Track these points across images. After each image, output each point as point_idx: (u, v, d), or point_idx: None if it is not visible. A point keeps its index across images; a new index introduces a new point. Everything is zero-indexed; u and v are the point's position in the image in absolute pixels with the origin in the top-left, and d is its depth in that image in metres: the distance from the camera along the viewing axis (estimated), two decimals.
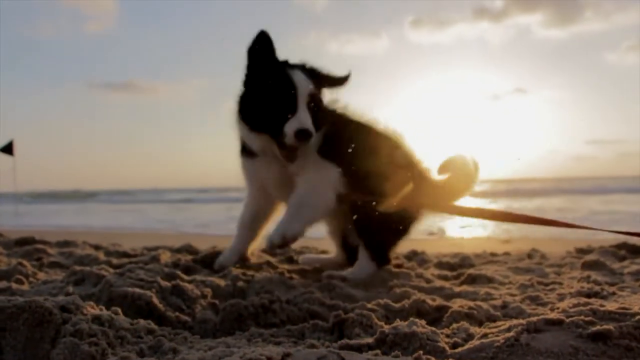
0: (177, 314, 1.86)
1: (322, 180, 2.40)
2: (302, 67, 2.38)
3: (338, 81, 2.48)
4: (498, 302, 1.95)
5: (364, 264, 2.51)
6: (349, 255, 2.73)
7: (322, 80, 2.42)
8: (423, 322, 1.45)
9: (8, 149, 12.64)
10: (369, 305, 1.86)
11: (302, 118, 2.22)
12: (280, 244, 2.29)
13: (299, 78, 2.29)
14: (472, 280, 2.48)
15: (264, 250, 3.69)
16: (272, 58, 2.34)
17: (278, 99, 2.27)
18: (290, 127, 2.21)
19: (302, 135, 2.20)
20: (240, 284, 2.25)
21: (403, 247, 3.41)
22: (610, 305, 1.57)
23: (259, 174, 2.57)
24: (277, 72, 2.31)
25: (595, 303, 1.64)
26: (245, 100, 2.39)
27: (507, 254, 3.90)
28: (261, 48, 2.32)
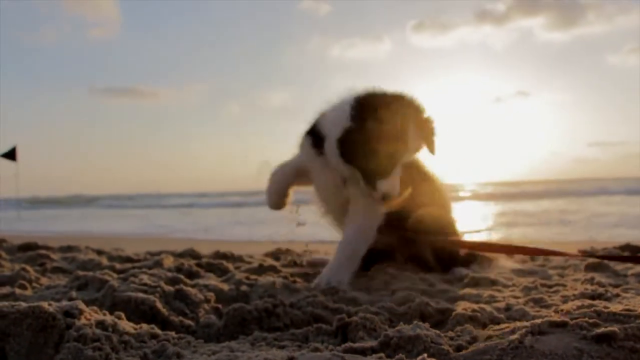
0: (180, 318, 1.86)
1: (369, 219, 2.58)
2: (414, 111, 2.43)
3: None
4: (501, 305, 1.95)
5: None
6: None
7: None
8: (427, 325, 1.45)
9: (11, 154, 12.68)
10: (373, 309, 1.86)
11: (394, 183, 2.37)
12: (327, 291, 2.27)
13: (402, 150, 2.37)
14: (476, 283, 2.48)
15: (267, 255, 3.70)
16: (389, 121, 2.35)
17: (385, 154, 2.35)
18: (380, 187, 2.36)
19: (387, 198, 2.38)
20: (243, 288, 2.25)
21: None
22: (615, 307, 1.56)
23: (318, 170, 2.65)
24: (392, 127, 2.34)
25: (599, 305, 1.64)
26: (352, 138, 2.38)
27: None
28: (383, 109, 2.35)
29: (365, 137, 2.34)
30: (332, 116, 2.51)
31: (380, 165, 2.36)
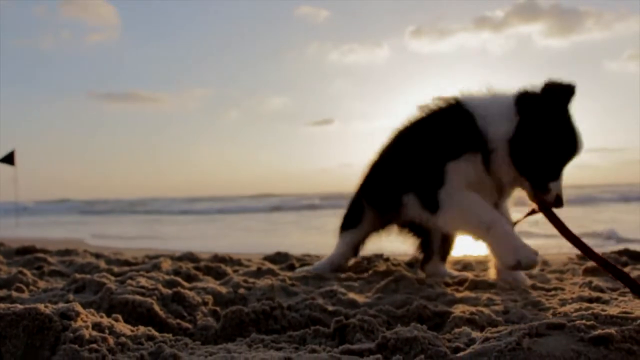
0: (178, 321, 1.85)
1: None
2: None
3: None
4: (500, 308, 1.95)
5: None
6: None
7: None
8: (424, 327, 1.45)
9: (9, 159, 12.65)
10: (371, 311, 1.86)
11: (562, 186, 2.27)
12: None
13: (581, 144, 2.26)
14: (474, 286, 2.48)
15: (265, 258, 3.69)
16: (566, 115, 2.23)
17: (559, 160, 2.25)
18: (554, 190, 2.24)
19: (557, 203, 2.26)
20: (241, 290, 2.25)
21: (405, 254, 3.42)
22: (612, 310, 1.57)
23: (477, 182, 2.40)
24: (570, 135, 2.23)
25: (597, 308, 1.64)
26: (524, 143, 2.23)
27: None
28: (560, 101, 2.23)
29: (537, 143, 2.20)
30: (495, 115, 2.28)
31: (552, 168, 2.25)
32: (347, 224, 3.03)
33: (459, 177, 2.35)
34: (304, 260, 3.54)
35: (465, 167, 2.35)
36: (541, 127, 2.21)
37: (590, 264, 2.97)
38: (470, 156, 2.34)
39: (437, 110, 2.53)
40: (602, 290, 2.25)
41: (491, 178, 2.36)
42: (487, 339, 1.38)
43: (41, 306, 1.46)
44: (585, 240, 2.17)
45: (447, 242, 2.91)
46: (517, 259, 2.13)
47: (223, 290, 2.23)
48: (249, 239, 8.09)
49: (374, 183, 2.88)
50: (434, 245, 2.92)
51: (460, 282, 2.61)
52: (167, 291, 2.03)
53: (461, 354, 1.32)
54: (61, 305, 1.55)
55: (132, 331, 1.58)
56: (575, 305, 1.77)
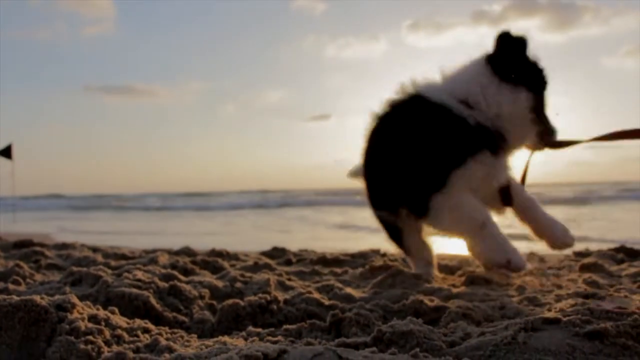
0: (174, 314, 1.85)
1: None
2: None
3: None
4: (496, 303, 1.95)
5: None
6: None
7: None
8: (420, 321, 1.45)
9: (6, 152, 12.60)
10: (367, 306, 1.86)
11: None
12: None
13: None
14: (471, 281, 2.48)
15: (262, 253, 3.70)
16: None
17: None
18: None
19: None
20: (238, 285, 2.25)
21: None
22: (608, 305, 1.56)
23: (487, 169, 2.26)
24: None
25: (593, 303, 1.64)
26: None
27: None
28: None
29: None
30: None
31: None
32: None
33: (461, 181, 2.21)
34: (300, 256, 3.54)
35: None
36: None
37: (587, 260, 2.98)
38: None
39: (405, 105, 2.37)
40: (598, 286, 2.26)
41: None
42: (483, 334, 1.39)
43: (37, 298, 1.46)
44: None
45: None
46: (507, 257, 2.17)
47: (220, 284, 2.24)
48: (245, 235, 8.09)
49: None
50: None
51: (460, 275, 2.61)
52: (163, 284, 2.04)
53: (457, 347, 1.33)
54: (57, 297, 1.55)
55: (128, 324, 1.58)
56: (571, 301, 1.77)
